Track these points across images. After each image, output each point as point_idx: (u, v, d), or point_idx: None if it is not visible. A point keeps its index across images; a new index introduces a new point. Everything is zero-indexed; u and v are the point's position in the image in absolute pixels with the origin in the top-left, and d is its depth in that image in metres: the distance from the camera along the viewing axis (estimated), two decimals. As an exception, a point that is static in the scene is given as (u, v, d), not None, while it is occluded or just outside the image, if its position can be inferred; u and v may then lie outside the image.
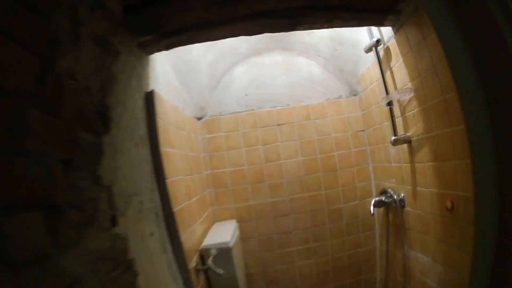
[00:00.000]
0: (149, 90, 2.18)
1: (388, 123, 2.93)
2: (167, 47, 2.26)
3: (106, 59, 1.56)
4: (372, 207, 2.98)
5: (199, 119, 3.72)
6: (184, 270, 2.22)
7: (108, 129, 1.46)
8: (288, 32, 3.44)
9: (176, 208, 2.23)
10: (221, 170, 3.73)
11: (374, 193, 3.71)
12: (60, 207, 1.03)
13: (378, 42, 2.71)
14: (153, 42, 2.10)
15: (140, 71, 2.11)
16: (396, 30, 2.41)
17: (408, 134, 2.55)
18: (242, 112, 3.81)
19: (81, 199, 1.15)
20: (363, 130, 3.81)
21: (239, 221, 3.67)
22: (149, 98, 2.16)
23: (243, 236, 3.63)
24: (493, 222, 1.56)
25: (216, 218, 3.67)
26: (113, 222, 1.36)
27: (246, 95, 3.85)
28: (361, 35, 3.01)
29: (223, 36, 2.31)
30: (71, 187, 1.11)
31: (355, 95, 3.86)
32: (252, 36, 3.46)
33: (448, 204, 2.04)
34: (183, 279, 2.21)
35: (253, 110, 3.82)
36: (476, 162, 1.60)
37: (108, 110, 1.49)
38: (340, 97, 3.89)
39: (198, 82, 3.45)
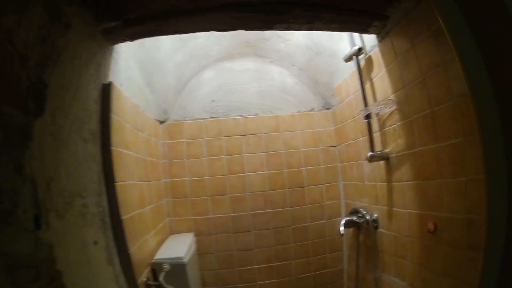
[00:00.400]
0: (107, 82, 1.97)
1: (363, 139, 2.80)
2: (132, 37, 2.08)
3: (54, 30, 1.32)
4: (341, 227, 2.79)
5: (161, 122, 3.49)
6: (133, 285, 1.98)
7: (42, 110, 1.21)
8: (263, 38, 3.38)
9: (126, 215, 2.01)
10: (181, 179, 3.52)
11: (343, 212, 3.56)
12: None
13: (359, 50, 2.55)
14: (117, 29, 1.92)
15: (100, 60, 1.91)
16: (381, 38, 2.29)
17: (386, 150, 2.40)
18: (207, 118, 3.63)
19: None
20: (335, 146, 3.66)
21: (197, 234, 3.45)
22: (106, 91, 1.95)
23: (201, 251, 3.41)
24: (499, 247, 1.39)
25: (172, 230, 3.43)
26: (37, 223, 1.11)
27: (212, 101, 3.66)
28: (340, 45, 2.88)
29: (192, 29, 2.14)
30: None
31: (328, 108, 3.72)
32: (225, 40, 3.35)
33: (431, 226, 1.89)
34: (130, 295, 1.96)
35: (218, 117, 3.65)
36: (491, 180, 1.43)
37: (45, 89, 1.24)
38: (312, 109, 3.74)
39: (163, 83, 3.24)
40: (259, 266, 3.52)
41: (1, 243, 0.92)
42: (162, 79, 3.17)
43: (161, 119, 3.50)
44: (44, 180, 1.20)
